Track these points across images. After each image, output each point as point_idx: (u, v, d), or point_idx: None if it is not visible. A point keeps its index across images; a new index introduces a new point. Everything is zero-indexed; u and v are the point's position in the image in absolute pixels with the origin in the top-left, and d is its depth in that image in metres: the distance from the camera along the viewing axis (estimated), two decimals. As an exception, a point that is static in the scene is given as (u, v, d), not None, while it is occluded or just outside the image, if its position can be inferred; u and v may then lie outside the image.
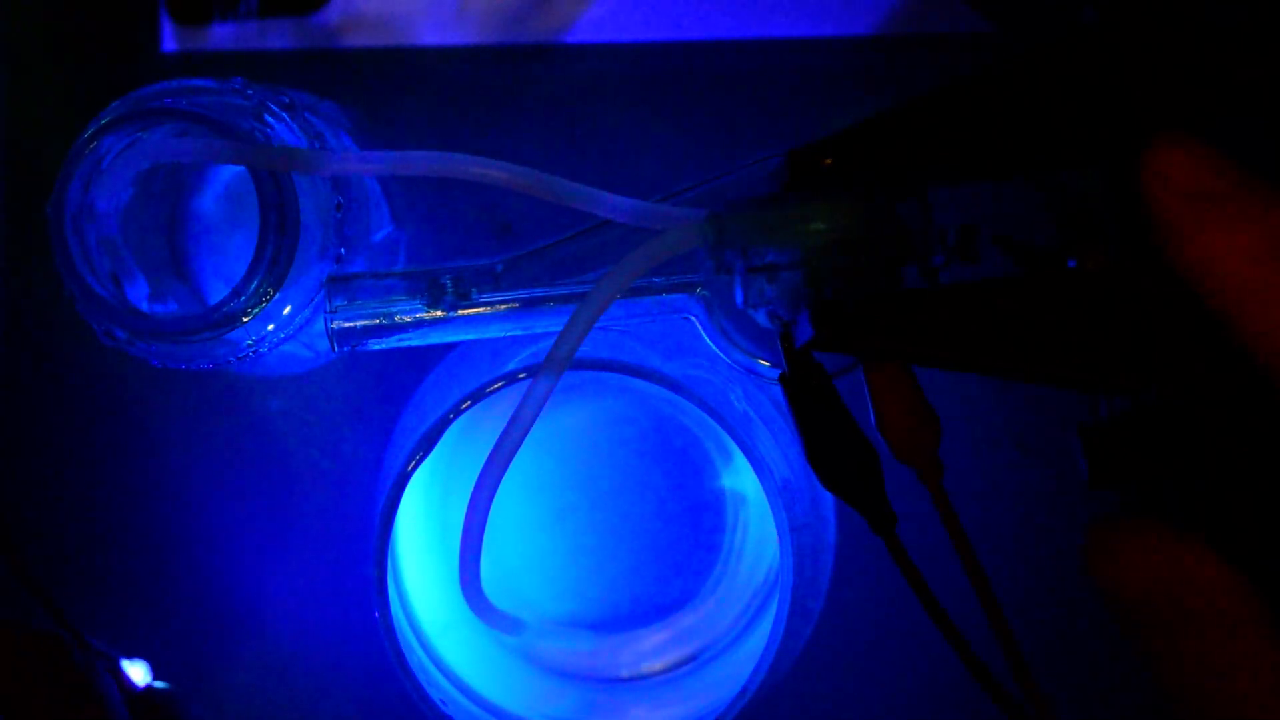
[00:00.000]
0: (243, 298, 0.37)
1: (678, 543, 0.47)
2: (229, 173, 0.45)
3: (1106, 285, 0.30)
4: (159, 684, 0.45)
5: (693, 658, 0.47)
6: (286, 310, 0.38)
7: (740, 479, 0.47)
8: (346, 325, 0.37)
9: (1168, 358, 0.30)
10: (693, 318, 0.37)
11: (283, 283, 0.37)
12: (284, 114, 0.39)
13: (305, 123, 0.39)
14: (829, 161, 0.32)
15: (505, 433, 0.35)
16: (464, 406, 0.39)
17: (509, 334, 0.37)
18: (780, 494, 0.39)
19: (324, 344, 0.38)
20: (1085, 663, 0.47)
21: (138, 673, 0.46)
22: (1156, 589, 0.29)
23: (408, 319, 0.37)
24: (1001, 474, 0.47)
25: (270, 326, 0.38)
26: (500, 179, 0.34)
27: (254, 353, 0.38)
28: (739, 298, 0.33)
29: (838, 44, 0.47)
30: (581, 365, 0.39)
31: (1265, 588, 0.29)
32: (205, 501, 0.48)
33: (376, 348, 0.37)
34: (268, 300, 0.37)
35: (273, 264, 0.37)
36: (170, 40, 0.48)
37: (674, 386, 0.39)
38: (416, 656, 0.42)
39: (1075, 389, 0.31)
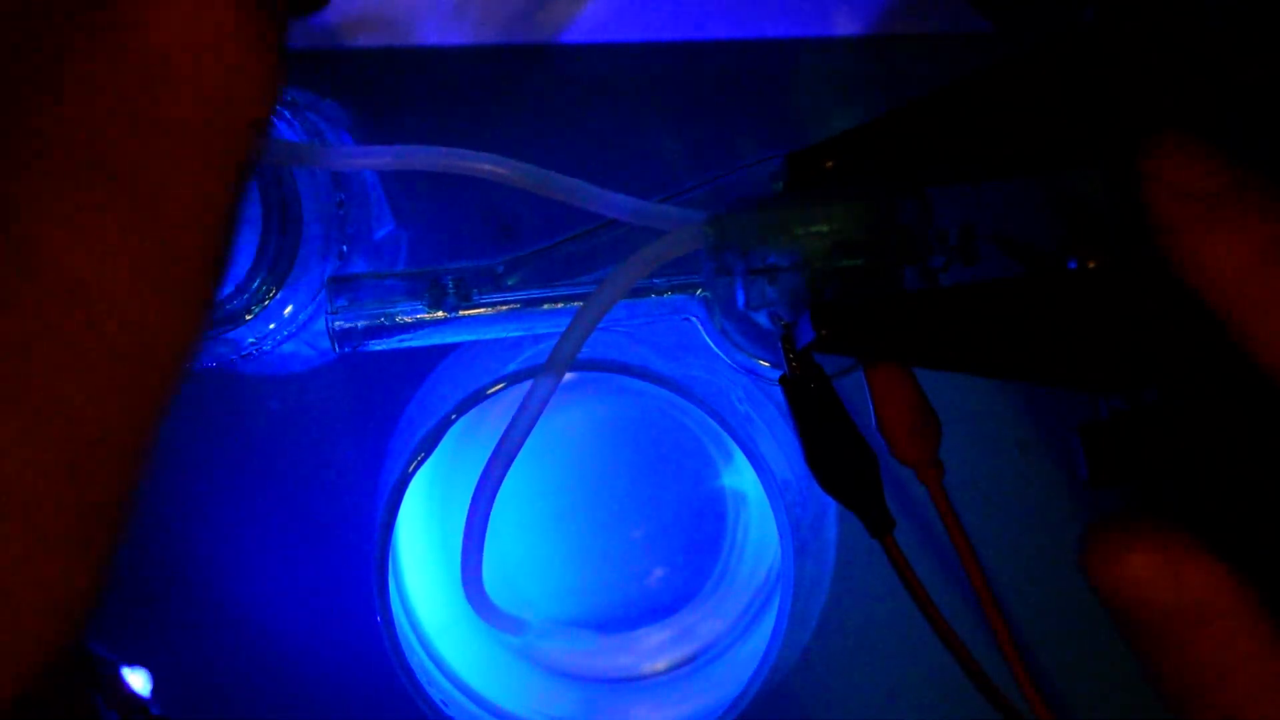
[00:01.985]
0: (245, 296, 0.37)
1: (678, 543, 0.47)
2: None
3: (1106, 285, 0.30)
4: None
5: (693, 658, 0.47)
6: (288, 309, 0.38)
7: (741, 479, 0.47)
8: (348, 326, 0.37)
9: (1168, 357, 0.30)
10: (694, 319, 0.37)
11: (284, 281, 0.37)
12: (285, 111, 0.39)
13: (306, 121, 0.39)
14: (829, 163, 0.32)
15: (507, 434, 0.35)
16: (465, 407, 0.39)
17: (510, 335, 0.37)
18: (781, 494, 0.39)
19: (326, 342, 0.38)
20: (1085, 663, 0.47)
21: (138, 680, 0.46)
22: (1152, 590, 0.29)
23: (409, 319, 0.37)
24: (1001, 474, 0.47)
25: (272, 325, 0.38)
26: (502, 175, 0.34)
27: (256, 351, 0.38)
28: (740, 299, 0.33)
29: (838, 44, 0.47)
30: (583, 366, 0.39)
31: (1265, 587, 0.29)
32: (205, 502, 0.48)
33: (378, 348, 0.37)
34: (270, 299, 0.37)
35: (274, 263, 0.37)
36: (170, 41, 0.47)
37: (675, 387, 0.39)
38: (416, 656, 0.42)
39: (1075, 389, 0.31)
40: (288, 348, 0.40)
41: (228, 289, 0.37)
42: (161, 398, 0.23)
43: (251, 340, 0.38)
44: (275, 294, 0.37)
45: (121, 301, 0.22)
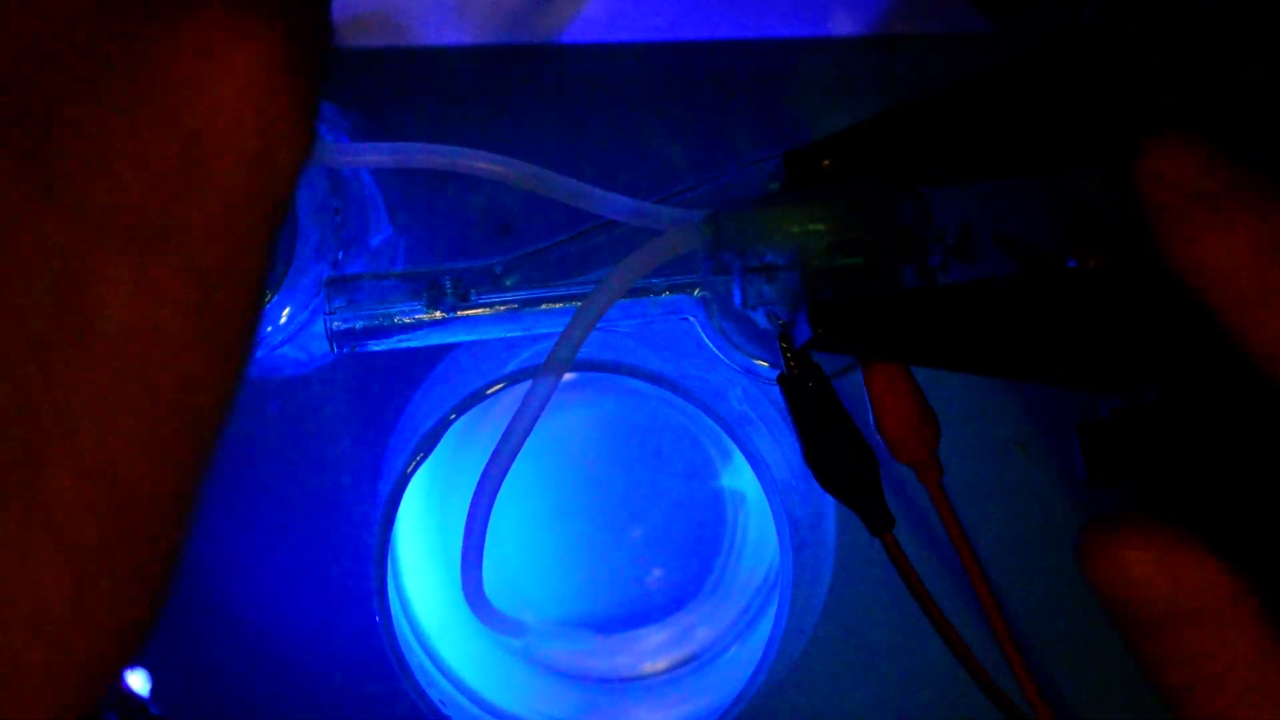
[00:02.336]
0: None
1: (677, 543, 0.47)
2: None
3: (1106, 285, 0.30)
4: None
5: (693, 658, 0.47)
6: (286, 312, 0.38)
7: (740, 479, 0.47)
8: (346, 326, 0.37)
9: (1168, 357, 0.30)
10: (692, 319, 0.37)
11: (280, 285, 0.37)
12: None
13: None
14: (827, 162, 0.32)
15: (506, 435, 0.35)
16: (465, 407, 0.39)
17: (509, 335, 0.37)
18: (780, 494, 0.39)
19: (318, 347, 0.38)
20: (1085, 663, 0.47)
21: (137, 680, 0.46)
22: (1148, 587, 0.29)
23: (407, 320, 0.37)
24: (1001, 474, 0.47)
25: (269, 328, 0.38)
26: (502, 174, 0.34)
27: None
28: (737, 298, 0.33)
29: (838, 44, 0.47)
30: (581, 366, 0.39)
31: (1264, 587, 0.29)
32: (204, 503, 0.48)
33: (376, 349, 0.37)
34: (265, 303, 0.37)
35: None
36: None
37: (673, 387, 0.39)
38: (416, 657, 0.42)
39: (1075, 389, 0.31)
40: (280, 352, 0.40)
41: None
42: (208, 444, 0.24)
43: None
44: (271, 298, 0.37)
45: (172, 357, 0.23)
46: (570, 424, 0.47)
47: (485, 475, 0.35)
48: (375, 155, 0.35)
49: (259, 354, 0.39)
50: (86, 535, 0.23)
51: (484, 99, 0.47)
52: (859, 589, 0.47)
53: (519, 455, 0.35)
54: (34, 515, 0.22)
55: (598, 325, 0.34)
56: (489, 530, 0.36)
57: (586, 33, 0.47)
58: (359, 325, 0.37)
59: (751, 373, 0.38)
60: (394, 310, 0.37)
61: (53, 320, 0.23)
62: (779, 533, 0.40)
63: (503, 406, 0.43)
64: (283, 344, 0.39)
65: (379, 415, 0.46)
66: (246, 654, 0.48)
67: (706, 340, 0.38)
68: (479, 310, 0.37)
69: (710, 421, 0.39)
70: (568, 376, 0.35)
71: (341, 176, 0.40)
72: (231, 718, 0.48)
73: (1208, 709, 0.28)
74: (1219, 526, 0.29)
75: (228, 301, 0.24)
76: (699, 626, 0.48)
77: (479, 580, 0.36)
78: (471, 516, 0.35)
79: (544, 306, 0.37)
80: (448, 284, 0.37)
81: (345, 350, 0.37)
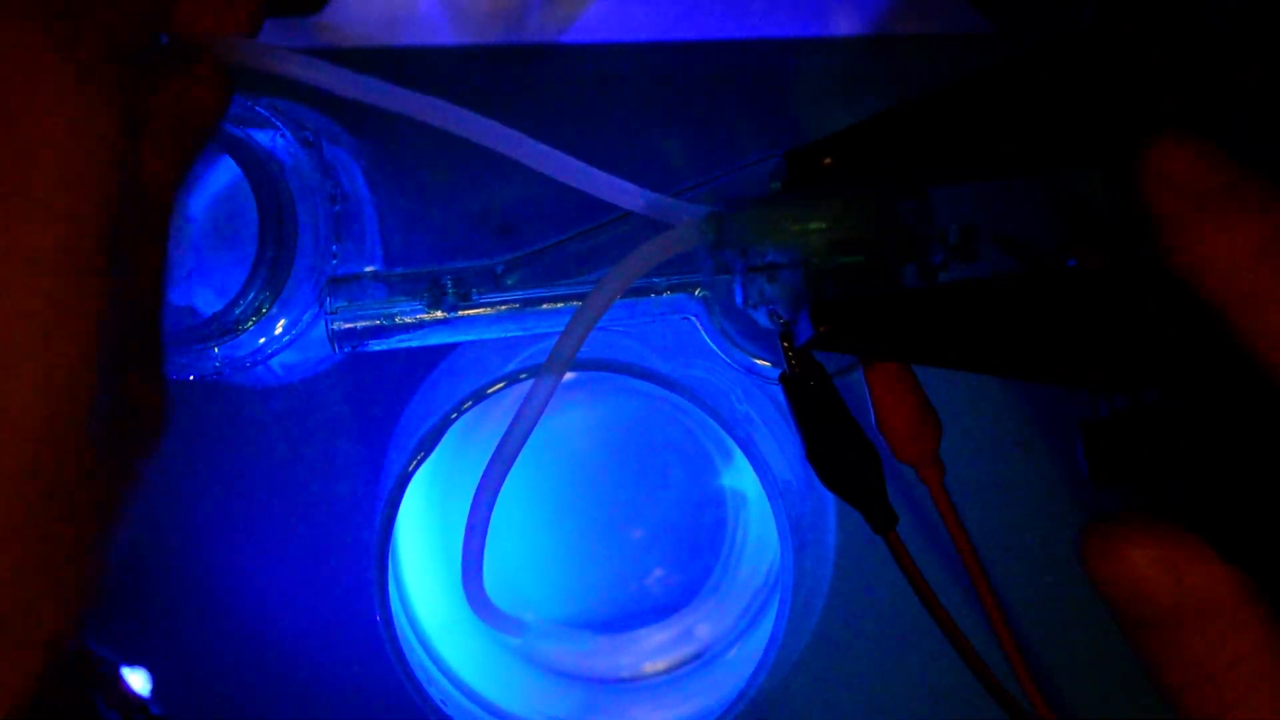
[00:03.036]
0: (239, 308, 0.37)
1: (678, 543, 0.47)
2: (210, 198, 0.45)
3: (1106, 285, 0.30)
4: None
5: (693, 658, 0.47)
6: (280, 324, 0.38)
7: (741, 479, 0.47)
8: (347, 326, 0.37)
9: (1168, 357, 0.30)
10: (693, 318, 0.37)
11: (277, 298, 0.37)
12: (277, 121, 0.38)
13: (321, 149, 0.39)
14: (828, 161, 0.32)
15: (507, 434, 0.35)
16: (465, 407, 0.39)
17: (510, 334, 0.37)
18: (781, 494, 0.40)
19: (281, 367, 0.37)
20: (1085, 661, 0.47)
21: (138, 680, 0.46)
22: (1152, 585, 0.29)
23: (409, 320, 0.37)
24: (1001, 474, 0.47)
25: (262, 340, 0.38)
26: (518, 153, 0.33)
27: (217, 372, 0.38)
28: (739, 297, 0.33)
29: (838, 44, 0.47)
30: (582, 366, 0.39)
31: (1265, 587, 0.29)
32: (205, 503, 0.48)
33: (377, 349, 0.37)
34: (263, 315, 0.37)
35: (270, 277, 0.37)
36: (170, 41, 0.47)
37: (674, 387, 0.39)
38: (416, 656, 0.42)
39: (1075, 389, 0.31)
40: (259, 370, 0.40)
41: (226, 299, 0.37)
42: (74, 452, 0.23)
43: (216, 364, 0.38)
44: (255, 323, 0.37)
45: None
46: (571, 424, 0.47)
47: (486, 475, 0.35)
48: (387, 98, 0.31)
49: (243, 366, 0.38)
50: None
51: (484, 99, 0.47)
52: (859, 589, 0.47)
53: (520, 455, 0.35)
54: None
55: (599, 324, 0.34)
56: (490, 530, 0.36)
57: (586, 33, 0.47)
58: (360, 325, 0.37)
59: (753, 372, 0.38)
60: (395, 310, 0.37)
61: None
62: (780, 533, 0.40)
63: (504, 406, 0.43)
64: (274, 354, 0.39)
65: (379, 415, 0.46)
66: (247, 654, 0.48)
67: (708, 339, 0.38)
68: (480, 310, 0.37)
69: (711, 421, 0.39)
70: (568, 376, 0.35)
71: (346, 221, 0.40)
72: (231, 718, 0.48)
73: (1210, 706, 0.28)
74: (1219, 526, 0.29)
75: (67, 293, 0.22)
76: (699, 626, 0.48)
77: (479, 577, 0.36)
78: (472, 516, 0.35)
79: (545, 306, 0.37)
80: (449, 284, 0.37)
81: (346, 350, 0.37)
